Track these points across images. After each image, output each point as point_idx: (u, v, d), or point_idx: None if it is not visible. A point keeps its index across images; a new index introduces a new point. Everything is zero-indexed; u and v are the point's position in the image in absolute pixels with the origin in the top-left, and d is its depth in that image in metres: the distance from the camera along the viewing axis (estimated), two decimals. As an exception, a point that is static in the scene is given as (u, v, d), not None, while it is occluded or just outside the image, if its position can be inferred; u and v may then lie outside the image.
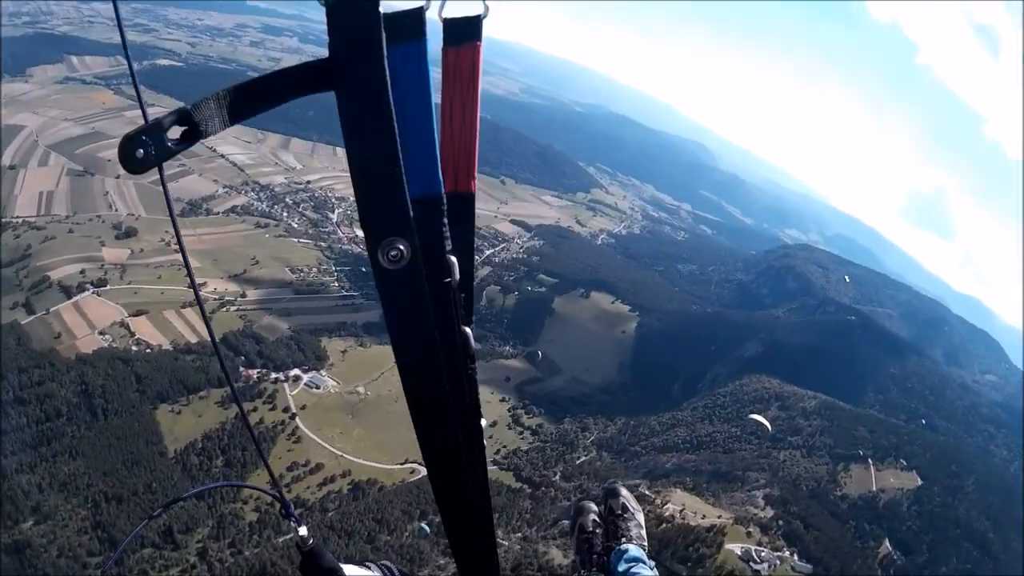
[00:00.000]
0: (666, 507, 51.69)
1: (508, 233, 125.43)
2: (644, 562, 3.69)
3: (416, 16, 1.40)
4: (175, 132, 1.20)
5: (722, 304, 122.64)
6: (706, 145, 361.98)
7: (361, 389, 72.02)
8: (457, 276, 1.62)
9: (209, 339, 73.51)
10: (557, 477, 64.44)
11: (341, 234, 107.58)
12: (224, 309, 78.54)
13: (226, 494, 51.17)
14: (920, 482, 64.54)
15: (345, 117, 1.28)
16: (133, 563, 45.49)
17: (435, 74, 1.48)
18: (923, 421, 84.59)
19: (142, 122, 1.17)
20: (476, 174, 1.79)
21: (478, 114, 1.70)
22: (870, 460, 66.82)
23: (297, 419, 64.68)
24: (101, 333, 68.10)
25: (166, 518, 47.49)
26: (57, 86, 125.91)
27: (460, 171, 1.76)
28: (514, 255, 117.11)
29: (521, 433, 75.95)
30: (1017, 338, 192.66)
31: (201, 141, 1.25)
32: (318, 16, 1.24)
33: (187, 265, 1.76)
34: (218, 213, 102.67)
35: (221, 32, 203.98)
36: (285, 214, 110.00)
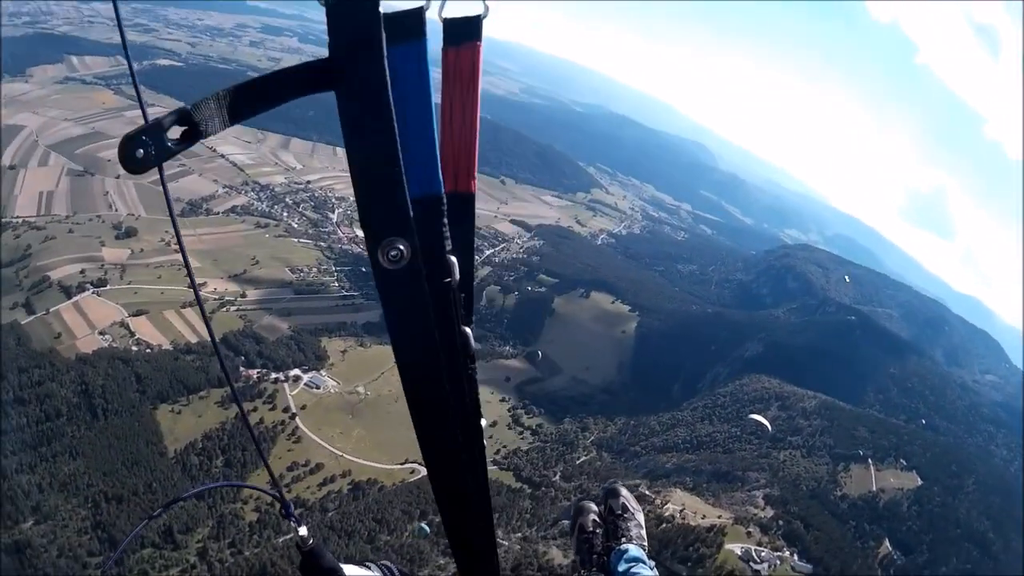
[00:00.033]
0: (666, 507, 51.69)
1: (508, 233, 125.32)
2: (644, 562, 3.69)
3: (416, 16, 1.41)
4: (175, 132, 1.20)
5: (722, 304, 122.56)
6: (706, 145, 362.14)
7: (361, 389, 72.01)
8: (457, 276, 1.62)
9: (209, 339, 73.55)
10: (557, 477, 64.42)
11: (341, 234, 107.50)
12: (224, 309, 78.53)
13: (226, 494, 51.16)
14: (920, 482, 64.52)
15: (345, 117, 1.29)
16: (133, 563, 45.49)
17: (435, 74, 1.48)
18: (923, 421, 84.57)
19: (142, 122, 1.18)
20: (476, 174, 1.79)
21: (478, 114, 1.71)
22: (870, 460, 66.77)
23: (297, 419, 64.69)
24: (101, 333, 68.12)
25: (166, 518, 47.49)
26: (57, 86, 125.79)
27: (460, 171, 1.76)
28: (514, 255, 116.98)
29: (521, 433, 75.93)
30: (1017, 338, 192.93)
31: (201, 141, 1.26)
32: (318, 16, 1.24)
33: (187, 265, 1.77)
34: (218, 213, 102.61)
35: (221, 32, 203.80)
36: (285, 214, 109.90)
